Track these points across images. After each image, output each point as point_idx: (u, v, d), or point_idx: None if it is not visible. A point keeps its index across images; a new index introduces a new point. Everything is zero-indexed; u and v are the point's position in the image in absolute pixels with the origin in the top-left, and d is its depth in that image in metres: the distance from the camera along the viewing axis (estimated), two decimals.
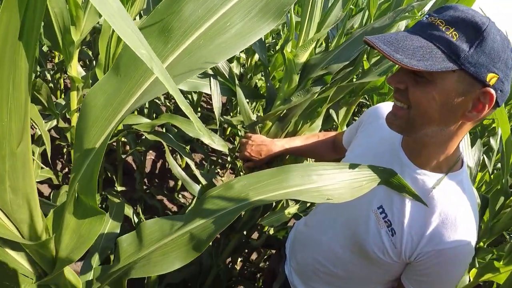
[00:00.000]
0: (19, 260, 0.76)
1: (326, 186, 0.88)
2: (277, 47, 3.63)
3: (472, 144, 1.86)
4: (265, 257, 2.86)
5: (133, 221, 2.23)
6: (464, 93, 0.93)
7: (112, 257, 1.80)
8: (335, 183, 0.90)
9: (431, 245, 1.06)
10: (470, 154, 1.67)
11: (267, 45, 3.88)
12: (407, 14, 1.73)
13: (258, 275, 2.81)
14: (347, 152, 1.37)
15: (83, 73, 2.17)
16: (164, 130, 2.43)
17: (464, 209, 1.08)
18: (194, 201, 2.47)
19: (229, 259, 2.59)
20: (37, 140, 2.14)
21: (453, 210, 1.06)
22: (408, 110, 1.00)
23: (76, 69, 1.95)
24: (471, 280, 1.59)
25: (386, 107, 1.30)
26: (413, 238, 1.08)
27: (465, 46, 0.89)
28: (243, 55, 3.48)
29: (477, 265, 1.75)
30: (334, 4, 1.82)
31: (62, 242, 0.74)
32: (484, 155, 2.24)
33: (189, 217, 0.85)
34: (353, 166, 0.99)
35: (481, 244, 1.90)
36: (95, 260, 1.59)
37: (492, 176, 2.28)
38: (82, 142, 0.61)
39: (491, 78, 0.91)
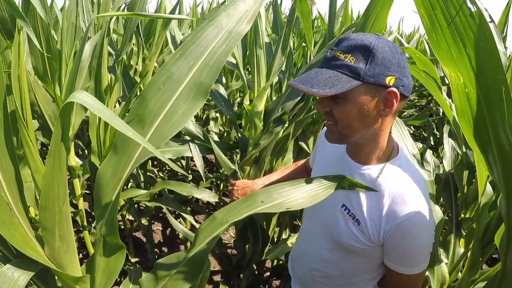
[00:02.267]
0: None
1: (286, 200, 1.15)
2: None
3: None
4: None
5: None
6: (373, 99, 1.20)
7: None
8: (294, 196, 1.16)
9: (389, 223, 1.26)
10: (411, 143, 1.88)
11: (237, 100, 4.24)
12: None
13: None
14: (311, 171, 1.64)
15: (80, 162, 2.44)
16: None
17: (408, 186, 1.29)
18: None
19: None
20: None
21: (399, 188, 1.28)
22: (336, 125, 1.26)
23: (74, 160, 2.18)
24: (463, 250, 1.79)
25: None
26: (374, 221, 1.29)
27: (362, 65, 1.16)
28: (218, 115, 3.81)
29: (464, 235, 1.91)
30: (275, 54, 2.15)
31: (96, 279, 1.01)
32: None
33: (190, 248, 1.11)
34: (308, 180, 1.24)
35: (462, 215, 2.06)
36: None
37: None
38: (101, 201, 0.93)
39: (390, 80, 1.18)
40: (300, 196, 1.17)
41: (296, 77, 1.26)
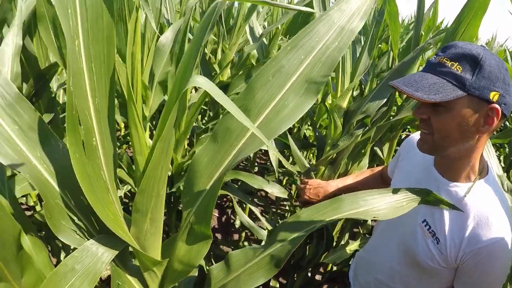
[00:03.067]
0: (134, 284, 1.00)
1: (372, 208, 1.11)
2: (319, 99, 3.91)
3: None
4: None
5: (205, 268, 2.44)
6: (475, 113, 1.15)
7: None
8: (379, 206, 1.12)
9: (471, 246, 1.20)
10: (496, 164, 1.78)
11: None
12: (430, 46, 1.96)
13: None
14: (392, 180, 1.57)
15: (150, 142, 2.48)
16: None
17: (495, 210, 1.22)
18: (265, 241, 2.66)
19: None
20: None
21: (485, 211, 1.21)
22: (432, 135, 1.21)
23: (147, 140, 2.24)
24: None
25: (417, 136, 1.49)
26: (455, 242, 1.23)
27: (468, 76, 1.12)
28: None
29: None
30: (361, 55, 2.09)
31: (173, 266, 1.01)
32: None
33: (268, 243, 1.09)
34: (394, 190, 1.19)
35: None
36: None
37: None
38: (192, 187, 0.93)
39: (494, 95, 1.13)
40: (385, 206, 1.13)
41: (385, 77, 1.21)
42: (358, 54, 2.20)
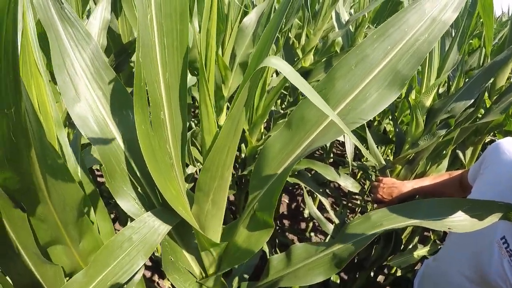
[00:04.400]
0: (190, 261, 1.00)
1: (448, 218, 1.02)
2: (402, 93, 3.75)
3: None
4: None
5: (267, 254, 2.44)
6: None
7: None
8: (456, 217, 1.03)
9: None
10: None
11: None
12: None
13: None
14: (473, 188, 1.45)
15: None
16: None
17: None
18: (327, 239, 2.62)
19: None
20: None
21: None
22: None
23: (224, 121, 2.25)
24: None
25: (507, 143, 1.38)
26: None
27: None
28: None
29: None
30: (450, 49, 1.95)
31: (231, 250, 0.99)
32: None
33: (332, 241, 1.05)
34: (474, 202, 1.09)
35: None
36: (236, 281, 1.81)
37: None
38: (261, 173, 0.90)
39: None
40: (462, 218, 1.04)
41: None
42: (447, 48, 2.06)
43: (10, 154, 0.58)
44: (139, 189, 0.90)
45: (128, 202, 0.89)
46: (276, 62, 0.57)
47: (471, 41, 3.84)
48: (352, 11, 4.23)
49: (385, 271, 2.85)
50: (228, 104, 2.13)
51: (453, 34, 2.07)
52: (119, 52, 1.98)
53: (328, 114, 0.53)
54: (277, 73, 2.72)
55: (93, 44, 0.87)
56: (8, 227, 0.71)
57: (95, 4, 1.88)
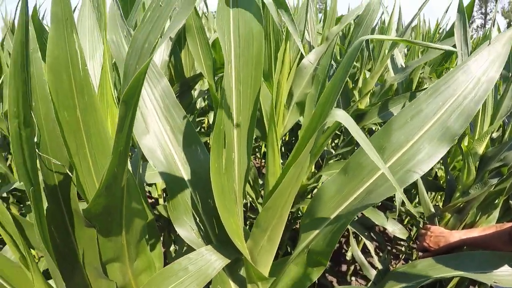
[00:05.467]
0: None
1: (495, 272, 1.03)
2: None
3: None
4: None
5: None
6: None
7: None
8: (504, 271, 1.04)
9: None
10: None
11: None
12: None
13: None
14: None
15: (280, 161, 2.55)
16: None
17: None
18: (369, 284, 2.58)
19: None
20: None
21: None
22: None
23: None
24: None
25: None
26: None
27: None
28: None
29: None
30: (504, 94, 1.93)
31: (278, 285, 1.02)
32: None
33: (375, 287, 1.07)
34: None
35: None
36: None
37: None
38: (314, 214, 0.95)
39: None
40: (510, 272, 1.04)
41: None
42: (502, 93, 2.04)
43: (110, 182, 0.65)
44: (197, 220, 0.97)
45: (186, 231, 0.96)
46: (341, 115, 0.62)
47: None
48: (406, 50, 4.25)
49: None
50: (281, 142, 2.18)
51: (509, 78, 2.05)
52: (182, 84, 2.10)
53: (380, 168, 0.58)
54: None
55: (163, 82, 0.95)
56: (77, 243, 0.79)
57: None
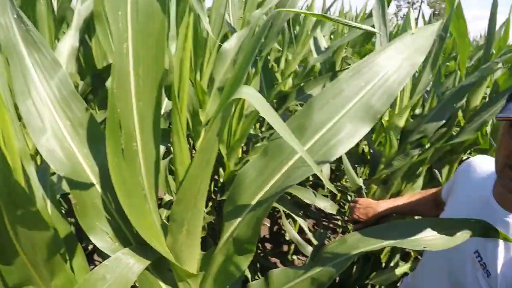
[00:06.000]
0: None
1: (422, 237, 1.03)
2: None
3: None
4: None
5: (249, 280, 2.43)
6: None
7: None
8: (430, 235, 1.05)
9: None
10: None
11: None
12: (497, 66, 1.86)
13: None
14: (446, 206, 1.47)
15: None
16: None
17: None
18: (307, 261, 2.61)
19: None
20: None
21: None
22: None
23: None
24: None
25: (476, 162, 1.43)
26: (506, 278, 1.14)
27: None
28: None
29: None
30: (422, 72, 2.01)
31: (208, 279, 0.97)
32: None
33: (310, 265, 1.05)
34: (447, 220, 1.12)
35: None
36: None
37: None
38: (236, 200, 0.90)
39: None
40: (436, 236, 1.06)
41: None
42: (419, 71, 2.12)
43: None
44: (112, 223, 0.88)
45: (102, 239, 0.86)
46: (248, 92, 0.58)
47: (448, 63, 3.94)
48: (331, 35, 4.32)
49: None
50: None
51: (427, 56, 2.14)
52: (94, 77, 1.98)
53: (296, 149, 0.55)
54: None
55: (61, 72, 0.84)
56: None
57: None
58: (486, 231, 1.09)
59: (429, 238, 1.04)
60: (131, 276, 0.80)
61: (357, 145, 3.63)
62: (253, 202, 0.89)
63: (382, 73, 0.88)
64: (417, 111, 2.39)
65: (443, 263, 1.36)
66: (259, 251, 3.38)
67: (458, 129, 2.33)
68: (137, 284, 0.92)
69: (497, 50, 3.57)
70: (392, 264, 2.60)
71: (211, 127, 0.66)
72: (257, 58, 2.48)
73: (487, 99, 2.48)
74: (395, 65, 0.89)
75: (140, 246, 0.86)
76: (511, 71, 1.98)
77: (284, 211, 2.21)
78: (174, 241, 0.86)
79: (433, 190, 1.76)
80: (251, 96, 0.57)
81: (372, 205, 1.75)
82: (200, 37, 1.92)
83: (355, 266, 2.25)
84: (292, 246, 3.51)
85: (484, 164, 1.39)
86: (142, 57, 0.76)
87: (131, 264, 0.82)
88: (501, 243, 1.17)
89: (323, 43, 2.98)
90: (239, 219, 0.89)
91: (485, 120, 1.93)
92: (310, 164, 0.56)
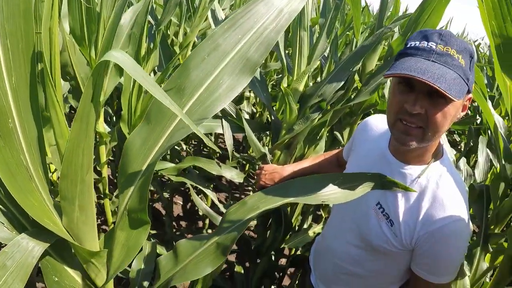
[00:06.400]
0: (75, 277, 0.95)
1: (322, 193, 1.08)
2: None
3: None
4: (297, 282, 2.97)
5: None
6: (462, 103, 1.16)
7: None
8: (330, 190, 1.09)
9: (425, 228, 1.20)
10: (449, 148, 1.81)
11: (272, 82, 4.17)
12: (390, 32, 1.96)
13: None
14: (347, 164, 1.56)
15: (108, 129, 2.41)
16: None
17: (450, 191, 1.22)
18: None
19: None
20: None
21: (440, 193, 1.21)
22: (423, 129, 1.14)
23: (102, 126, 2.15)
24: (488, 265, 1.72)
25: (372, 120, 1.52)
26: (409, 225, 1.23)
27: (468, 70, 1.10)
28: (252, 95, 3.75)
29: (491, 250, 1.83)
30: (318, 38, 2.06)
31: (114, 255, 0.96)
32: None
33: (215, 231, 1.06)
34: (347, 175, 1.17)
35: (492, 228, 1.96)
36: None
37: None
38: (126, 170, 0.88)
39: (472, 85, 1.14)
40: (336, 191, 1.11)
41: (392, 67, 1.13)
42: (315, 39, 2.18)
43: None
44: (5, 211, 0.84)
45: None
46: (117, 56, 0.55)
47: (348, 33, 4.08)
48: (229, 8, 4.29)
49: (286, 253, 2.94)
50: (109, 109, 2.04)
51: (324, 23, 2.20)
52: None
53: (176, 112, 0.54)
54: (155, 72, 2.69)
55: None
56: None
57: None
58: (384, 183, 1.16)
59: (328, 193, 1.09)
60: (32, 260, 0.78)
61: (261, 114, 3.70)
62: (142, 170, 0.87)
63: (260, 23, 0.87)
64: (319, 79, 2.48)
65: (349, 219, 1.43)
66: (174, 230, 3.36)
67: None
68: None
69: (389, 18, 3.77)
70: (305, 226, 2.71)
71: (84, 93, 0.62)
72: (155, 33, 2.41)
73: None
74: (275, 12, 0.87)
75: (37, 230, 0.83)
76: (404, 37, 2.09)
77: (196, 187, 2.20)
78: (70, 220, 0.83)
79: (336, 151, 1.85)
80: (121, 60, 0.55)
81: (277, 170, 1.80)
82: (92, 11, 1.81)
83: (268, 232, 2.30)
84: (207, 221, 3.52)
85: (379, 122, 1.47)
86: (9, 30, 0.70)
87: (31, 247, 0.79)
88: (400, 193, 1.25)
89: (221, 15, 2.96)
90: (131, 190, 0.87)
91: (380, 83, 2.02)
92: (190, 126, 0.55)
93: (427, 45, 1.11)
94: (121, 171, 0.87)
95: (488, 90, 4.26)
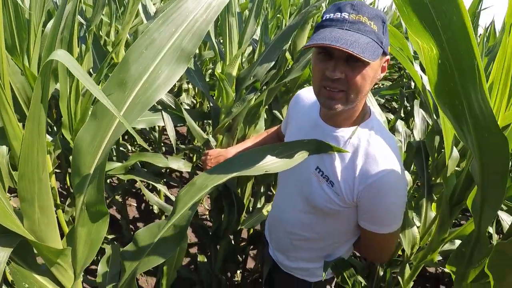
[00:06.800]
0: (44, 282, 0.98)
1: (262, 164, 1.15)
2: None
3: None
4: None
5: None
6: (380, 66, 1.25)
7: None
8: (271, 160, 1.16)
9: (362, 183, 1.29)
10: (379, 112, 1.91)
11: (209, 72, 4.22)
12: (315, 10, 2.06)
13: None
14: (285, 137, 1.66)
15: (50, 138, 2.38)
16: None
17: (380, 146, 1.32)
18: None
19: (229, 274, 2.80)
20: None
21: (372, 149, 1.31)
22: (345, 92, 1.23)
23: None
24: (435, 213, 1.86)
25: (303, 93, 1.63)
26: (348, 183, 1.32)
27: (381, 34, 1.19)
28: (190, 86, 3.78)
29: (435, 199, 1.98)
30: (247, 22, 2.14)
31: (78, 251, 1.00)
32: None
33: (171, 215, 1.11)
34: (284, 144, 1.25)
35: (434, 179, 2.13)
36: None
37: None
38: (80, 168, 0.92)
39: (387, 48, 1.24)
40: (276, 160, 1.18)
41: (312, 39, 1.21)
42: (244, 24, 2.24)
43: None
44: None
45: None
46: (61, 55, 0.60)
47: (278, 15, 4.16)
48: (160, 2, 4.27)
49: (245, 236, 3.01)
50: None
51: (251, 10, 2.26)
52: None
53: (111, 110, 0.59)
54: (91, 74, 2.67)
55: None
56: None
57: None
58: (320, 147, 1.24)
59: (270, 163, 1.16)
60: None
61: (201, 104, 3.74)
62: (94, 165, 0.92)
63: (191, 17, 0.93)
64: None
65: (293, 187, 1.52)
66: (132, 232, 3.36)
67: None
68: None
69: None
70: (259, 206, 2.79)
71: (34, 94, 0.67)
72: (86, 34, 2.40)
73: None
74: (204, 6, 0.94)
75: (2, 235, 0.85)
76: None
77: (148, 185, 2.23)
78: (31, 221, 0.86)
79: (276, 127, 1.94)
80: (64, 59, 0.60)
81: (222, 153, 1.86)
82: (22, 18, 1.78)
83: (223, 215, 2.37)
84: (163, 218, 3.53)
85: (309, 94, 1.58)
86: None
87: None
88: (335, 155, 1.35)
89: (152, 9, 2.97)
90: (86, 185, 0.92)
91: (310, 58, 2.12)
92: (123, 122, 0.61)
93: (341, 15, 1.19)
94: (74, 168, 0.91)
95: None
